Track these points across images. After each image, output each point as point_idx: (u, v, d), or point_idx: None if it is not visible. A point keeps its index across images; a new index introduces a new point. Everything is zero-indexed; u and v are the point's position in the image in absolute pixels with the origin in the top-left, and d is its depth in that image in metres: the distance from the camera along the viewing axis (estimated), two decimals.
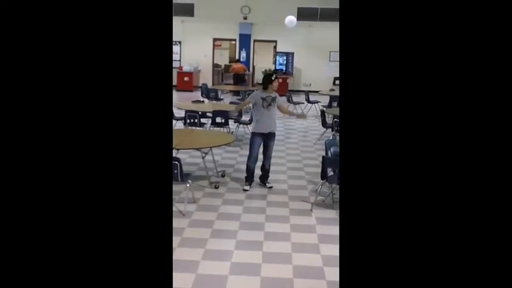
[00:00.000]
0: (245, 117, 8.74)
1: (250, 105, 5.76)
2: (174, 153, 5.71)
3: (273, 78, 5.59)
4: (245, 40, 16.82)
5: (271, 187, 5.73)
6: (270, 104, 5.49)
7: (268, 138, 5.60)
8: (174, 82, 15.73)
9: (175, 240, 4.10)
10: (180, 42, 16.75)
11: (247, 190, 5.62)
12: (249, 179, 5.71)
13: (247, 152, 5.77)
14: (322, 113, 8.80)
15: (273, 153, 5.88)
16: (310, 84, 16.56)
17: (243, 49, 16.85)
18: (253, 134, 5.64)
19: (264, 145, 5.63)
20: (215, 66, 17.69)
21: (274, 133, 5.67)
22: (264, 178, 5.80)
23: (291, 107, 11.89)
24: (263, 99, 5.48)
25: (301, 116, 6.54)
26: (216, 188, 5.64)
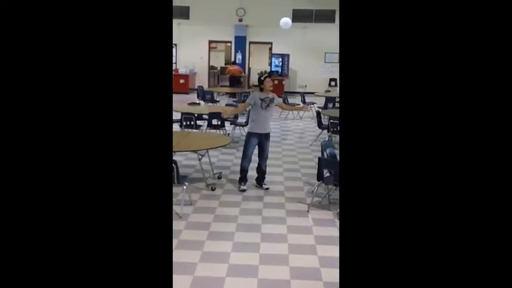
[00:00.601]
0: (241, 119, 8.74)
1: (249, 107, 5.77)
2: None
3: (262, 78, 5.62)
4: (240, 42, 16.84)
5: (267, 188, 5.74)
6: (268, 105, 5.53)
7: (263, 138, 5.63)
8: None
9: (173, 242, 4.09)
10: (175, 45, 16.73)
11: (244, 190, 5.63)
12: (244, 179, 5.73)
13: (245, 156, 5.75)
14: (318, 114, 8.81)
15: (269, 155, 5.90)
16: (305, 86, 16.58)
17: (239, 51, 16.86)
18: (249, 134, 5.66)
19: (259, 146, 5.65)
20: (211, 68, 17.69)
21: (269, 134, 5.71)
22: (260, 179, 5.81)
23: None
24: (262, 100, 5.52)
25: (304, 107, 6.68)
26: (213, 190, 5.64)
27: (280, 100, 5.95)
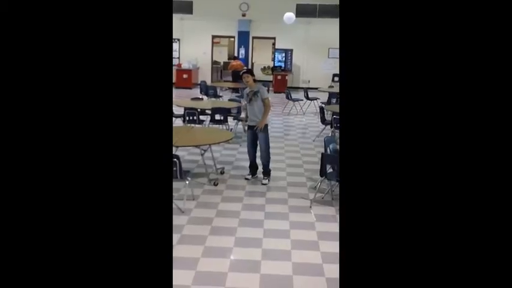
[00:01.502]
0: (244, 114, 8.73)
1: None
2: (173, 150, 5.70)
3: (240, 74, 5.88)
4: (244, 37, 16.80)
5: (265, 184, 5.75)
6: (251, 99, 5.68)
7: (255, 130, 5.73)
8: (173, 79, 15.71)
9: (175, 237, 4.10)
10: (179, 40, 16.73)
11: (247, 179, 5.89)
12: (250, 169, 5.94)
13: (246, 149, 5.94)
14: (321, 109, 8.80)
15: (272, 150, 5.90)
16: (309, 81, 16.55)
17: (242, 46, 16.83)
18: (247, 127, 5.99)
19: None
20: (214, 63, 17.68)
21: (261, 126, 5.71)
22: (263, 172, 5.85)
23: (289, 104, 11.94)
24: (246, 94, 5.78)
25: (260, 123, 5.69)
26: (215, 185, 5.65)
27: (266, 96, 5.69)
